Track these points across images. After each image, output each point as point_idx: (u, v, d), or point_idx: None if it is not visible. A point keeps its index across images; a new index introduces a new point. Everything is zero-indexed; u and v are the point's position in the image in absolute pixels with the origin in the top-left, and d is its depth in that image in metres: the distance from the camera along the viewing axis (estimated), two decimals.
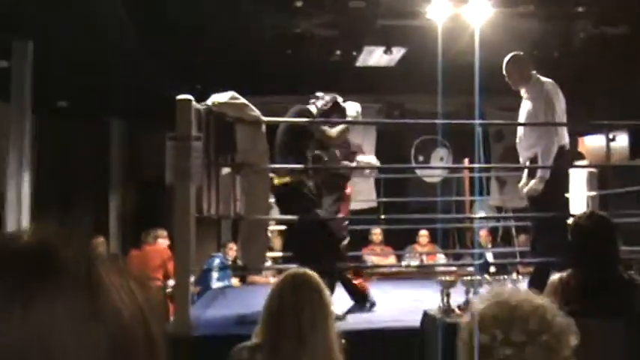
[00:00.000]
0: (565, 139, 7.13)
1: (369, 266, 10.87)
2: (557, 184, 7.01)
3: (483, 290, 6.04)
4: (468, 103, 11.34)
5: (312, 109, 7.24)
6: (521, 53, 7.53)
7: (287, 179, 6.60)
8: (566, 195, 7.34)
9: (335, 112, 7.41)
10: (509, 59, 7.42)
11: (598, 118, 8.73)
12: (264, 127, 6.27)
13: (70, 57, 10.12)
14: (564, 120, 7.33)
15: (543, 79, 7.32)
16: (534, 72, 7.37)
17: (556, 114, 7.06)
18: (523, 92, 7.33)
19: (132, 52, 9.95)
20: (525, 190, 7.26)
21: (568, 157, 7.27)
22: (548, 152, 6.94)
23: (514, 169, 10.62)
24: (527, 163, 7.23)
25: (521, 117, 7.41)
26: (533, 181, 7.05)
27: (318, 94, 7.51)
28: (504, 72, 7.46)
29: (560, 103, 7.15)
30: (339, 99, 7.61)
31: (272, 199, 6.95)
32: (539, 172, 7.04)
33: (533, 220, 7.73)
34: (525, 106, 7.29)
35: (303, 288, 3.22)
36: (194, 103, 5.46)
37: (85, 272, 0.85)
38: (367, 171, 9.84)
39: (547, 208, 6.93)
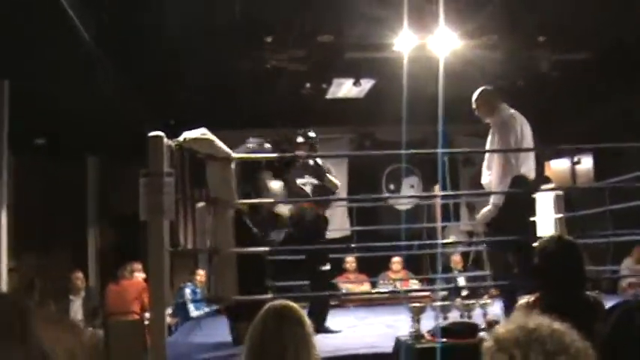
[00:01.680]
0: (524, 167, 7.31)
1: (344, 293, 10.98)
2: (511, 211, 7.17)
3: (454, 315, 6.20)
4: (436, 130, 11.57)
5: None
6: (489, 87, 7.81)
7: None
8: (524, 221, 7.47)
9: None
10: (478, 93, 7.73)
11: (563, 143, 8.93)
12: (233, 164, 6.39)
13: (46, 95, 10.19)
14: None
15: (508, 110, 7.56)
16: (503, 104, 7.62)
17: (510, 144, 7.30)
18: (492, 122, 7.57)
19: (107, 88, 10.03)
20: (478, 217, 7.55)
21: (526, 185, 7.41)
22: (499, 180, 7.22)
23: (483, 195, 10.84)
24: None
25: (487, 147, 7.66)
26: (485, 208, 7.38)
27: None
28: (473, 105, 7.74)
29: (519, 133, 7.35)
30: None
31: None
32: (491, 200, 7.35)
33: (487, 245, 7.99)
34: (490, 137, 7.56)
35: (286, 321, 3.22)
36: (165, 139, 5.55)
37: (18, 323, 0.97)
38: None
39: (500, 234, 7.19)
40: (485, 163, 7.63)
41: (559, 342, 1.78)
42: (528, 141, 7.46)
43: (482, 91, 7.72)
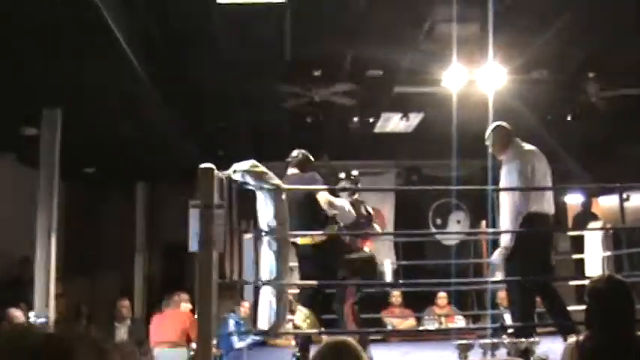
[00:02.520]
0: (537, 205, 7.21)
1: (389, 330, 10.94)
2: (523, 251, 7.11)
3: (501, 352, 6.15)
4: (483, 166, 11.52)
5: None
6: (503, 123, 7.70)
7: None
8: (540, 260, 7.35)
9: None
10: (491, 130, 7.68)
11: (612, 179, 8.85)
12: (284, 195, 6.41)
13: (97, 124, 10.37)
14: (543, 185, 7.47)
15: (523, 145, 7.51)
16: (516, 140, 7.57)
17: (518, 181, 7.23)
18: (503, 159, 7.52)
19: (157, 118, 10.16)
20: (491, 258, 7.60)
21: (542, 222, 7.32)
22: (511, 222, 7.14)
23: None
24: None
25: (500, 184, 7.58)
26: (497, 250, 7.34)
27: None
28: (486, 142, 7.69)
29: (529, 168, 7.28)
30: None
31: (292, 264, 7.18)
32: (501, 242, 7.29)
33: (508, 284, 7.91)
34: (502, 173, 7.49)
35: (343, 355, 3.22)
36: (216, 171, 5.60)
37: None
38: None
39: (515, 274, 7.18)
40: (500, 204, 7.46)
41: None
42: (541, 176, 7.38)
43: (496, 126, 7.67)
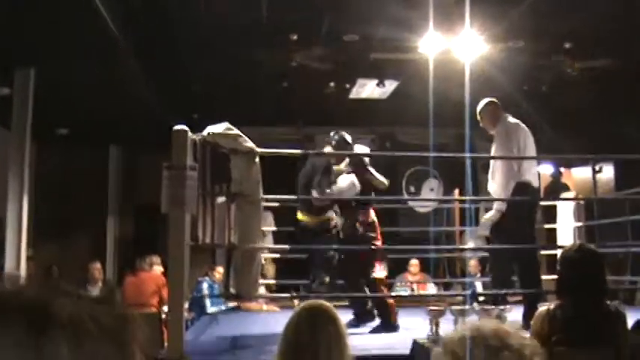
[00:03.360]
0: (527, 175, 7.46)
1: (363, 295, 10.96)
2: (514, 218, 7.34)
3: (472, 319, 6.18)
4: (458, 134, 11.54)
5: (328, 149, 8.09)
6: (493, 99, 7.89)
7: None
8: (526, 228, 7.52)
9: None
10: (483, 106, 7.86)
11: (585, 151, 8.93)
12: (257, 158, 6.39)
13: (71, 85, 10.27)
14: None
15: (510, 120, 7.70)
16: (506, 114, 7.77)
17: (512, 151, 7.49)
18: (494, 133, 7.74)
19: (131, 79, 10.08)
20: (481, 221, 7.87)
21: (530, 192, 7.55)
22: (503, 187, 7.37)
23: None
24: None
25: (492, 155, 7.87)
26: (489, 213, 7.61)
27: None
28: (478, 117, 7.88)
29: (521, 142, 7.51)
30: (347, 137, 8.21)
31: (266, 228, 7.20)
32: (495, 205, 7.55)
33: (490, 252, 8.12)
34: (493, 146, 7.76)
35: (320, 321, 3.25)
36: (190, 133, 5.56)
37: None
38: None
39: (502, 240, 7.37)
40: (490, 172, 7.77)
41: (502, 339, 1.79)
42: (530, 150, 7.61)
43: (487, 102, 7.85)
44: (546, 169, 13.70)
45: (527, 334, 1.92)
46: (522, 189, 7.37)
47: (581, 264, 4.20)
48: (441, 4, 8.08)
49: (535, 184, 7.69)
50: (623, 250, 10.44)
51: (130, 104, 11.25)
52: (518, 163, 7.40)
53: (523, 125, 7.66)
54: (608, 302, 4.30)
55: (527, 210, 7.69)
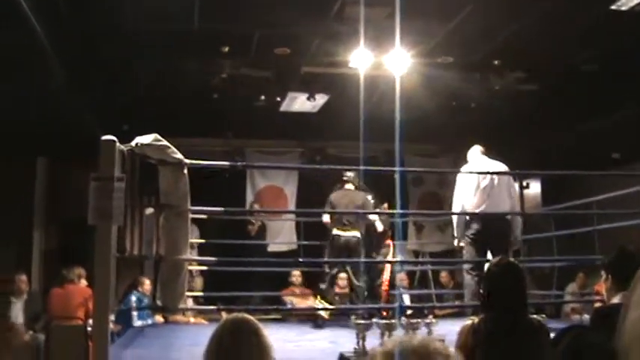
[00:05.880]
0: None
1: (289, 308, 10.95)
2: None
3: (398, 333, 6.21)
4: (387, 149, 11.62)
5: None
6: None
7: None
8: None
9: None
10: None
11: (513, 167, 9.07)
12: (185, 170, 6.34)
13: None
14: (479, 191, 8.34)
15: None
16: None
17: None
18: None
19: (59, 90, 9.92)
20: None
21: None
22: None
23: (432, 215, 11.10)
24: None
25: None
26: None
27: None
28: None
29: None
30: None
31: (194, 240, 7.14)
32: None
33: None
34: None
35: (242, 331, 3.24)
36: (118, 144, 5.50)
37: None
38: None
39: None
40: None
41: (427, 353, 1.82)
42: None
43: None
44: None
45: (451, 348, 1.92)
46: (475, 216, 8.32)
47: (504, 278, 4.23)
48: (372, 19, 8.15)
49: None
50: (549, 265, 10.63)
51: (59, 116, 11.07)
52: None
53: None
54: (532, 316, 4.35)
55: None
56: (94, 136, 6.03)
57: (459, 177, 8.59)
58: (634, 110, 10.72)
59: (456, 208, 8.51)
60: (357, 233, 9.77)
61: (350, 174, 9.98)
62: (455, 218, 8.66)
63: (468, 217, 8.28)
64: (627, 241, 4.18)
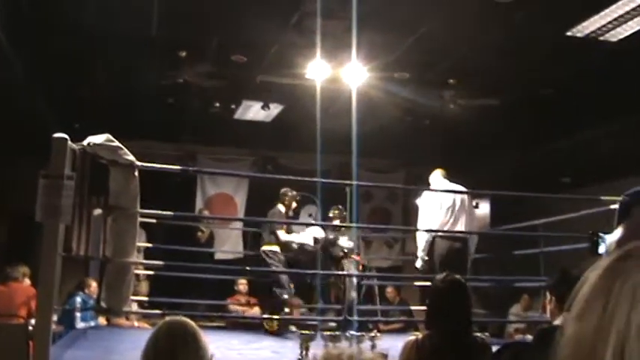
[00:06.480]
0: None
1: (233, 316, 10.92)
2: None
3: (342, 345, 6.22)
4: (340, 162, 11.65)
5: None
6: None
7: None
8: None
9: None
10: None
11: (464, 186, 9.14)
12: (137, 172, 6.31)
13: None
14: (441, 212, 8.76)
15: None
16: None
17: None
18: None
19: (12, 86, 9.80)
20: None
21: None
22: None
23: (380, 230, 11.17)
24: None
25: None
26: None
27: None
28: None
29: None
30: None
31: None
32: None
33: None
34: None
35: (178, 333, 3.22)
36: (70, 142, 5.45)
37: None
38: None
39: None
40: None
41: None
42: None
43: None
44: None
45: None
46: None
47: (448, 294, 4.25)
48: (330, 32, 8.18)
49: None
50: (493, 285, 10.71)
51: (9, 110, 10.93)
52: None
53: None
54: (476, 334, 4.38)
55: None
56: (46, 132, 5.97)
57: (422, 200, 8.98)
58: (586, 136, 10.89)
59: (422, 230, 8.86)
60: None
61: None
62: (420, 239, 8.84)
63: (431, 237, 8.66)
64: (571, 265, 4.23)
